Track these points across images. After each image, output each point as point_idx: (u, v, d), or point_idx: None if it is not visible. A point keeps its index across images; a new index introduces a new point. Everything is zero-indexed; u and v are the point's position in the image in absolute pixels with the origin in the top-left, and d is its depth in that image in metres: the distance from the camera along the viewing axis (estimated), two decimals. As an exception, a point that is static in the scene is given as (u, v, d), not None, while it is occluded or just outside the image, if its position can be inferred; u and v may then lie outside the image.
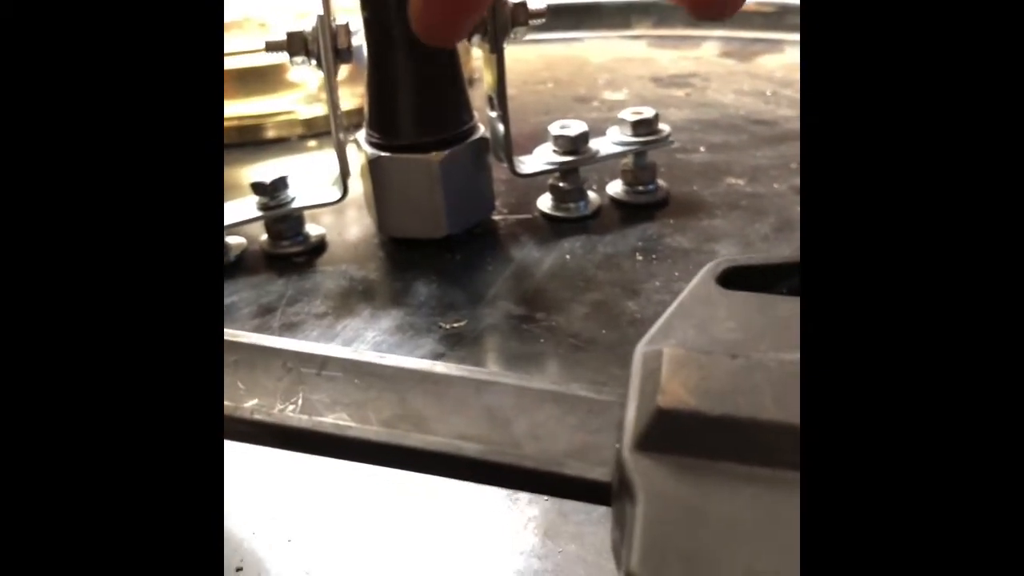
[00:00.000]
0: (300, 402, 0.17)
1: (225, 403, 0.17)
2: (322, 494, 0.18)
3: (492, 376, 0.18)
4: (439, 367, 0.19)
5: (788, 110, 0.45)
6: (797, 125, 0.42)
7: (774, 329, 0.17)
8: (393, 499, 0.18)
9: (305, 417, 0.16)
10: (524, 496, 0.19)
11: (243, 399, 0.17)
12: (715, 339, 0.16)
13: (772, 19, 0.60)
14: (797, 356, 0.16)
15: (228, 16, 0.47)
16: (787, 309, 0.17)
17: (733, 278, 0.18)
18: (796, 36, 0.58)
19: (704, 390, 0.15)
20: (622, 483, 0.14)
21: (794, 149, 0.40)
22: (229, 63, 0.45)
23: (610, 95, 0.49)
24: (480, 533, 0.18)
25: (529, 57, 0.56)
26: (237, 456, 0.19)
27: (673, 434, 0.14)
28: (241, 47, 0.45)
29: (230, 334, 0.22)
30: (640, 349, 0.16)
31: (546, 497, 0.18)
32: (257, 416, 0.16)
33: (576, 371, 0.25)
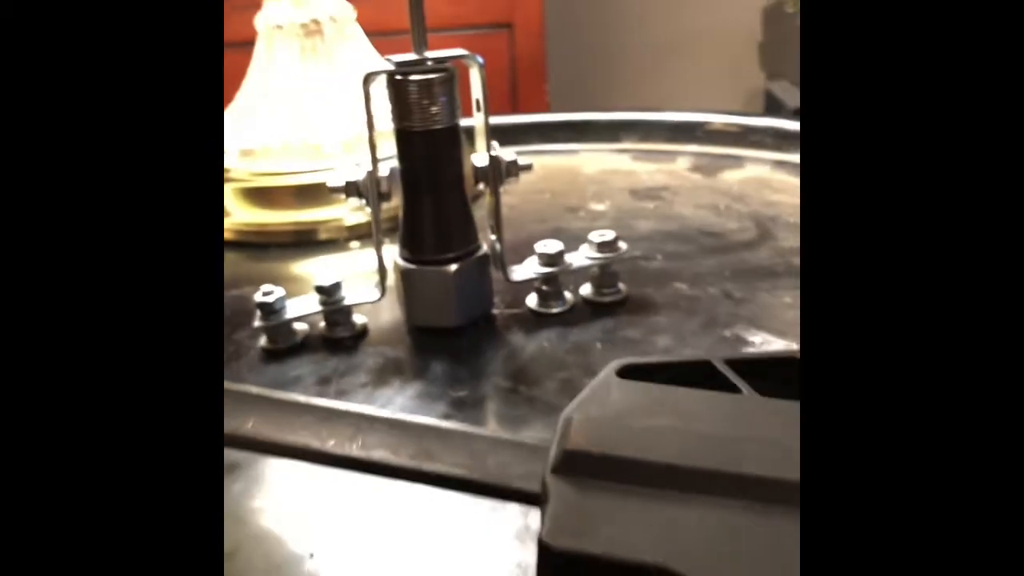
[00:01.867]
0: (360, 442, 0.27)
1: (311, 442, 0.28)
2: (360, 503, 0.29)
3: (479, 430, 0.29)
4: (445, 424, 0.30)
5: (734, 223, 0.55)
6: (739, 237, 0.53)
7: (651, 405, 0.27)
8: (411, 510, 0.29)
9: (362, 452, 0.27)
10: (512, 507, 0.29)
11: (325, 439, 0.28)
12: (610, 410, 0.27)
13: (738, 137, 0.71)
14: (664, 422, 0.27)
15: (288, 140, 0.59)
16: (662, 391, 0.28)
17: (629, 372, 0.29)
18: (756, 152, 0.69)
19: (595, 439, 0.25)
20: (544, 491, 0.25)
21: (730, 259, 0.50)
22: (291, 180, 0.57)
23: (594, 206, 0.60)
24: (472, 535, 0.29)
25: (536, 168, 0.67)
26: (309, 479, 0.30)
27: (575, 464, 0.25)
28: (300, 168, 0.57)
29: (304, 399, 0.33)
30: (563, 415, 0.27)
31: (529, 508, 0.28)
32: (335, 451, 0.27)
33: (546, 428, 0.35)
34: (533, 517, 0.28)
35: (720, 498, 0.24)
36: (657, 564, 0.22)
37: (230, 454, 0.31)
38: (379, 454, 0.26)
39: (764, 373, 0.28)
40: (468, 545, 0.28)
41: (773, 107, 1.80)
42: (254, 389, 0.31)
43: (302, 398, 0.32)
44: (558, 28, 1.67)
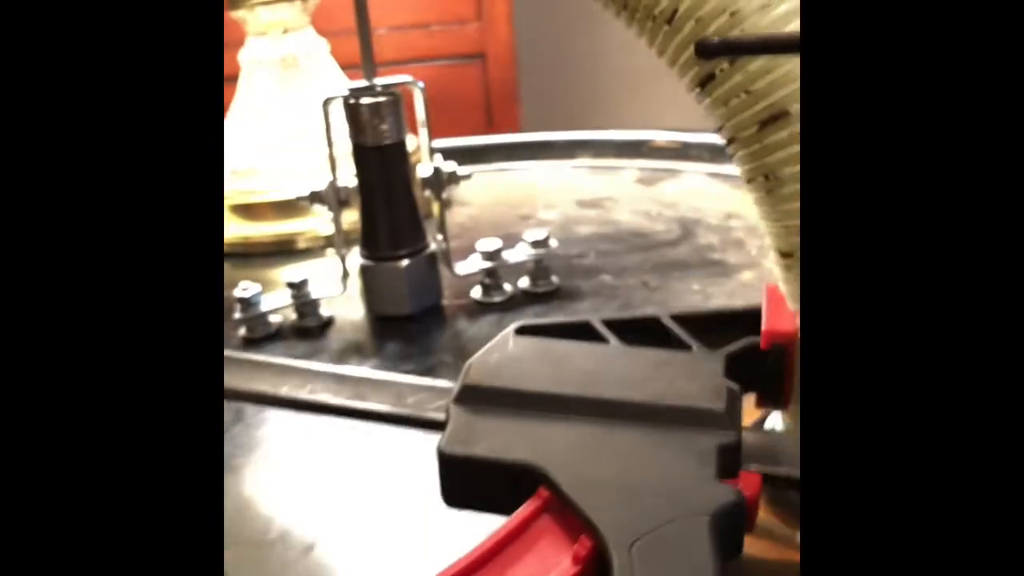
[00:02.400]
0: (309, 388, 0.34)
1: (268, 390, 0.35)
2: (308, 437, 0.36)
3: (402, 377, 0.36)
4: (376, 373, 0.37)
5: (662, 226, 0.63)
6: (663, 238, 0.60)
7: (536, 352, 0.34)
8: (350, 440, 0.36)
9: (310, 396, 0.34)
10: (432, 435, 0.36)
11: (280, 387, 0.35)
12: (504, 357, 0.34)
13: (679, 152, 0.79)
14: (544, 363, 0.34)
15: (268, 160, 0.67)
16: (547, 343, 0.35)
17: (526, 330, 0.36)
18: (694, 165, 0.77)
19: (488, 376, 0.32)
20: (446, 416, 0.32)
21: (653, 255, 0.57)
22: (273, 196, 0.64)
23: (544, 214, 0.67)
24: (399, 457, 0.35)
25: (498, 183, 0.75)
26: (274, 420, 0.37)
27: (471, 395, 0.32)
28: (280, 185, 0.65)
29: (264, 358, 0.40)
30: (468, 362, 0.34)
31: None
32: (288, 395, 0.34)
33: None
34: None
35: (578, 416, 0.31)
36: (521, 461, 0.29)
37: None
38: (323, 397, 0.33)
39: (631, 330, 0.35)
40: (395, 465, 0.35)
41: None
42: (226, 352, 0.38)
43: (263, 357, 0.39)
44: (529, 56, 1.75)
